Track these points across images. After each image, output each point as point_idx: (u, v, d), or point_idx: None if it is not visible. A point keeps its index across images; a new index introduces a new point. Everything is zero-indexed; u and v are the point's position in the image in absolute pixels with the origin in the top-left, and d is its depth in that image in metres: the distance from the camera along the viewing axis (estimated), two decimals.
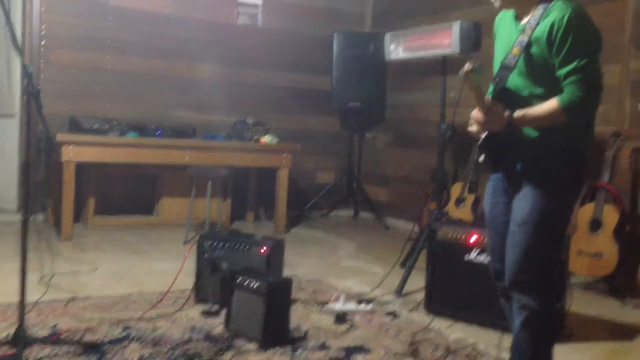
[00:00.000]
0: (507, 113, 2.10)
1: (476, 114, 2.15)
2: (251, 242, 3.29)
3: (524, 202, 2.17)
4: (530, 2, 2.14)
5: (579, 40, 2.02)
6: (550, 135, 2.13)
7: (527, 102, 2.13)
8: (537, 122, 2.10)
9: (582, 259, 4.04)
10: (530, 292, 2.18)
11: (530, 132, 2.15)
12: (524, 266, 2.17)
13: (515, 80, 2.16)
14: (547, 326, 2.23)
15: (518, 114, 2.09)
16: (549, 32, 2.04)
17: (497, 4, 2.21)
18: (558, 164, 2.15)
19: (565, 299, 3.12)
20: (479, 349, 2.84)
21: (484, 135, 2.17)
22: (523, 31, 2.13)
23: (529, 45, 2.10)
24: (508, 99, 2.15)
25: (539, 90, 2.12)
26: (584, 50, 2.02)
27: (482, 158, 2.22)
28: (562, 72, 2.04)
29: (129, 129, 5.06)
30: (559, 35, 2.02)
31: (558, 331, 3.00)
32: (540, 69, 2.10)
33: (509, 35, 2.22)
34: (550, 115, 2.07)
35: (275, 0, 6.39)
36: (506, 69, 2.16)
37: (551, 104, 2.06)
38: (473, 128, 2.20)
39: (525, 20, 2.15)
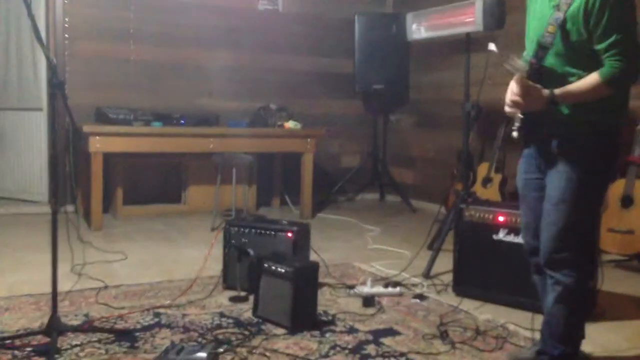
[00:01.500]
0: (546, 92, 2.08)
1: (513, 95, 2.12)
2: (277, 227, 3.30)
3: (558, 179, 2.16)
4: None
5: (616, 13, 2.00)
6: (585, 112, 2.11)
7: (563, 80, 2.11)
8: (579, 97, 2.09)
9: (613, 236, 3.97)
10: (565, 269, 2.18)
11: (565, 109, 2.12)
12: (559, 244, 2.17)
13: (551, 59, 2.15)
14: (580, 302, 2.23)
15: (558, 91, 2.07)
16: (585, 7, 2.02)
17: None
18: (592, 141, 2.13)
19: (596, 277, 3.07)
20: (508, 329, 2.81)
21: (521, 116, 2.15)
22: (557, 7, 2.10)
23: (564, 22, 2.08)
24: (543, 77, 2.13)
25: (574, 69, 2.10)
26: (622, 22, 2.01)
27: (515, 133, 2.19)
28: (601, 46, 2.03)
29: (153, 118, 5.11)
30: (595, 9, 2.01)
31: (590, 309, 2.96)
32: (577, 47, 2.08)
33: (542, 10, 2.18)
34: (593, 90, 2.05)
35: None
36: (543, 48, 2.14)
37: (592, 79, 2.05)
38: (510, 109, 2.17)
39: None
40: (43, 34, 4.54)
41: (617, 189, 4.00)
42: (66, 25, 5.45)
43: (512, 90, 2.13)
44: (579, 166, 2.13)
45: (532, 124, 2.17)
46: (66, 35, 5.46)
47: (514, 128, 2.18)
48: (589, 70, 2.07)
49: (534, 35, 2.21)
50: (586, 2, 2.02)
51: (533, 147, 2.29)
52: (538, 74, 2.14)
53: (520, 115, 2.15)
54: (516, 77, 2.10)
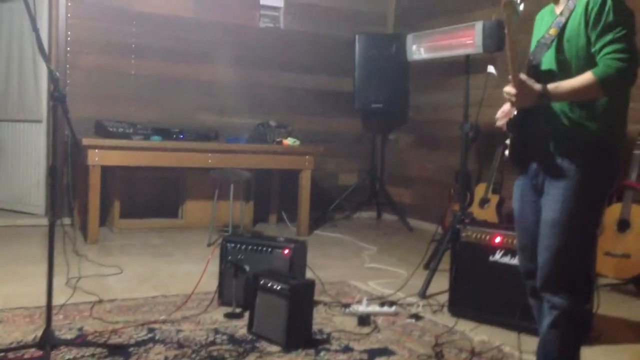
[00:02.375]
0: (538, 86, 2.07)
1: (509, 88, 2.13)
2: (274, 244, 3.30)
3: (554, 201, 2.14)
4: None
5: (614, 17, 2.02)
6: (583, 131, 2.10)
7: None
8: (571, 94, 2.07)
9: (609, 260, 3.97)
10: (561, 292, 2.16)
11: (565, 121, 2.12)
12: (555, 267, 2.15)
13: (550, 61, 2.17)
14: (576, 326, 2.22)
15: (551, 85, 2.07)
16: (584, 10, 2.06)
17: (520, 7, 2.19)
18: (590, 162, 2.12)
19: (592, 301, 3.07)
20: (504, 350, 2.80)
21: (514, 113, 2.16)
22: (560, 14, 2.16)
23: (565, 25, 2.12)
24: (541, 79, 2.12)
25: (572, 73, 2.09)
26: (619, 25, 2.02)
27: (507, 152, 2.22)
28: (597, 46, 2.04)
29: (152, 133, 5.12)
30: (594, 12, 2.04)
31: (586, 333, 2.95)
32: (575, 50, 2.10)
33: (548, 21, 2.24)
34: (585, 88, 2.03)
35: (296, 2, 6.41)
36: (541, 47, 2.17)
37: (585, 76, 2.03)
38: (505, 107, 2.22)
39: (561, 8, 2.18)
40: (46, 47, 4.56)
41: (613, 212, 4.01)
42: (69, 38, 5.48)
43: (508, 86, 2.14)
44: (575, 189, 2.12)
45: (526, 143, 2.18)
46: (68, 49, 5.49)
47: (509, 134, 2.21)
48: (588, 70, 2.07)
49: (535, 39, 2.25)
50: (586, 5, 2.06)
51: (529, 168, 2.27)
52: (536, 74, 2.15)
53: (513, 113, 2.18)
54: (512, 54, 2.09)
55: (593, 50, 2.05)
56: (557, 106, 2.12)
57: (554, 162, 2.15)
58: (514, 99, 2.12)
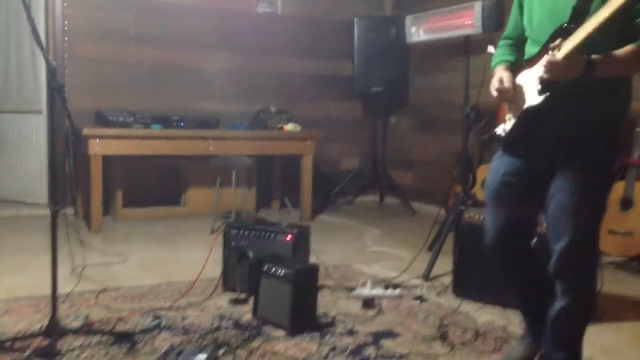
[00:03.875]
0: (585, 56, 1.87)
1: (551, 57, 1.88)
2: (277, 230, 3.30)
3: (569, 184, 2.02)
4: None
5: None
6: (595, 109, 1.99)
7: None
8: (617, 66, 1.92)
9: (612, 238, 3.97)
10: (578, 278, 2.10)
11: (588, 103, 1.98)
12: (576, 254, 2.06)
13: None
14: (588, 311, 2.19)
15: (596, 57, 1.87)
16: None
17: None
18: (608, 143, 2.04)
19: (596, 279, 3.07)
20: (508, 330, 2.81)
21: (539, 88, 1.97)
22: None
23: None
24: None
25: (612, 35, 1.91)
26: None
27: (500, 129, 2.16)
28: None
29: (152, 121, 5.11)
30: None
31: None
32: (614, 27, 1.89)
33: None
34: (632, 59, 1.90)
35: None
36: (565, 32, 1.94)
37: (630, 48, 1.89)
38: (503, 75, 2.10)
39: None
40: (42, 37, 4.55)
41: (616, 191, 4.01)
42: (66, 28, 5.45)
43: (548, 58, 1.89)
44: (591, 171, 2.02)
45: (532, 123, 2.06)
46: (66, 38, 5.46)
47: (498, 132, 2.13)
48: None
49: (551, 19, 2.01)
50: None
51: (535, 148, 2.13)
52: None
53: (510, 119, 2.08)
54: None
55: (637, 21, 1.88)
56: (584, 82, 1.92)
57: (568, 144, 2.03)
58: (552, 68, 1.88)
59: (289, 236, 3.24)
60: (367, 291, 3.26)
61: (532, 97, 2.01)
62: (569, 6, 1.93)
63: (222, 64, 6.01)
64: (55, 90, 2.47)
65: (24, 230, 4.90)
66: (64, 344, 2.49)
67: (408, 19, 4.47)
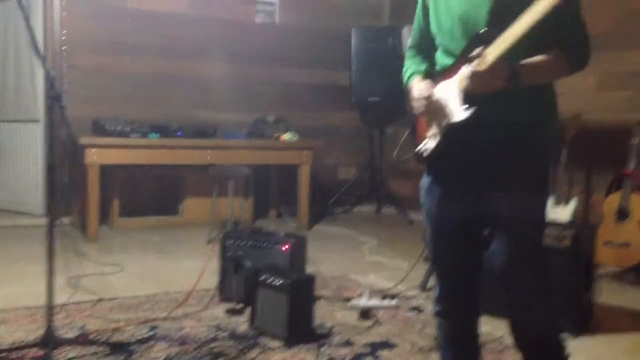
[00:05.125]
0: (509, 64, 1.67)
1: (471, 68, 1.69)
2: (273, 240, 3.30)
3: (522, 207, 1.79)
4: None
5: None
6: (524, 113, 1.80)
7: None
8: (541, 73, 1.75)
9: (609, 249, 3.98)
10: (556, 349, 1.91)
11: (504, 112, 1.77)
12: (552, 311, 1.90)
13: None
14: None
15: (521, 64, 1.70)
16: None
17: None
18: (537, 146, 1.83)
19: (592, 290, 3.08)
20: (505, 342, 2.81)
21: (461, 102, 1.75)
22: None
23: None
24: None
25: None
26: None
27: (425, 146, 1.93)
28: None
29: (150, 130, 5.11)
30: None
31: (587, 322, 2.96)
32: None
33: None
34: (555, 65, 1.75)
35: None
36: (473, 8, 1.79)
37: (552, 53, 1.74)
38: (422, 86, 1.90)
39: None
40: (41, 46, 4.56)
41: (613, 202, 4.02)
42: (64, 37, 5.47)
43: (471, 69, 1.70)
44: (539, 184, 1.83)
45: (459, 137, 1.81)
46: (64, 48, 5.47)
47: (426, 145, 1.92)
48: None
49: (463, 25, 1.81)
50: None
51: (457, 163, 1.88)
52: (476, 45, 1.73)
53: (444, 124, 1.83)
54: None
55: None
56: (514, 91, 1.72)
57: (507, 152, 1.80)
58: (476, 80, 1.69)
59: (286, 246, 3.24)
60: (364, 302, 3.25)
61: (457, 112, 1.78)
62: (482, 10, 1.75)
63: (220, 73, 6.02)
64: (54, 99, 2.47)
65: (20, 239, 4.89)
66: (59, 354, 2.48)
67: (405, 30, 4.50)
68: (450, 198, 1.93)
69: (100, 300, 3.26)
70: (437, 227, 1.98)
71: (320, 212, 6.07)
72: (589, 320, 3.00)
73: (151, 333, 2.81)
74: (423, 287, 3.66)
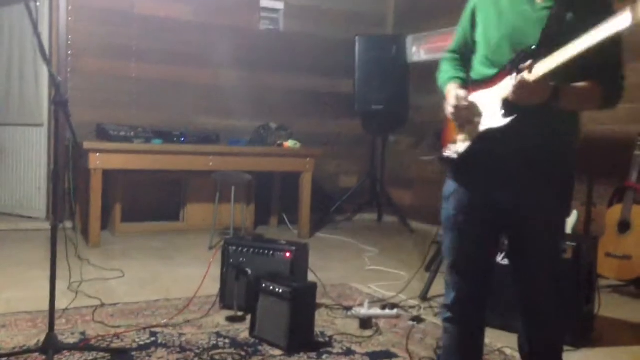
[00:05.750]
0: (552, 83, 1.76)
1: (519, 80, 1.76)
2: (275, 247, 3.30)
3: (546, 227, 1.89)
4: None
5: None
6: (556, 129, 1.87)
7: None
8: (577, 99, 1.82)
9: (610, 261, 3.98)
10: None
11: (538, 125, 1.85)
12: (560, 325, 2.00)
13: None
14: None
15: (562, 86, 1.77)
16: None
17: None
18: (564, 163, 1.92)
19: (593, 302, 3.08)
20: (505, 353, 2.81)
21: (480, 129, 1.88)
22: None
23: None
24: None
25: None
26: None
27: (451, 151, 1.99)
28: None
29: (153, 136, 5.13)
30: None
31: (587, 335, 2.96)
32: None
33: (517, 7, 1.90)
34: (590, 95, 1.83)
35: (296, 4, 6.42)
36: (523, 25, 1.87)
37: (590, 83, 1.82)
38: (460, 93, 1.95)
39: None
40: (47, 51, 4.57)
41: (614, 214, 4.02)
42: (69, 42, 5.49)
43: (519, 79, 1.77)
44: (564, 195, 1.92)
45: (491, 144, 1.89)
46: (69, 52, 5.50)
47: (451, 152, 1.98)
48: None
49: (512, 40, 1.89)
50: None
51: (484, 169, 1.95)
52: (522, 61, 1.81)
53: (478, 130, 1.91)
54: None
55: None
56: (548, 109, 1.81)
57: (536, 166, 1.88)
58: (521, 90, 1.76)
59: (288, 254, 3.24)
60: (364, 311, 3.25)
61: (494, 119, 1.87)
62: (535, 28, 1.82)
63: (224, 79, 6.04)
64: (60, 105, 2.48)
65: (22, 243, 4.88)
66: (60, 359, 2.48)
67: (409, 39, 4.52)
68: (476, 204, 1.97)
69: (101, 305, 3.26)
70: (462, 233, 2.02)
71: (322, 219, 6.07)
72: (589, 333, 3.00)
73: (152, 339, 2.81)
74: (424, 297, 3.66)
